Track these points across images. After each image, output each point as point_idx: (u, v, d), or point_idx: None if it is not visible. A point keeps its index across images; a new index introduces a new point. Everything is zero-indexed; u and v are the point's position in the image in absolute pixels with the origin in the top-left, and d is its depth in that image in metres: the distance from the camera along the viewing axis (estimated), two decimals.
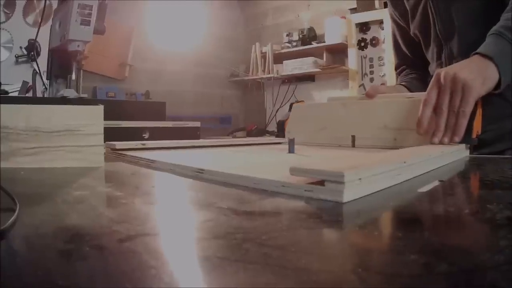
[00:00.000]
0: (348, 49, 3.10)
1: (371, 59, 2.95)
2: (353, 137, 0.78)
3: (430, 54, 0.93)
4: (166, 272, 0.17)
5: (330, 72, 3.45)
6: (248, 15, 4.41)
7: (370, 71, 2.96)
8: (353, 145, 0.78)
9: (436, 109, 0.63)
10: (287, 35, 3.79)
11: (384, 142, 0.72)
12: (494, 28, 0.69)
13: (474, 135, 0.62)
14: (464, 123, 0.61)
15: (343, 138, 0.79)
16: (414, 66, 1.05)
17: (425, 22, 0.90)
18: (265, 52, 3.88)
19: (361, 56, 3.01)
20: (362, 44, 2.98)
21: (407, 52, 1.05)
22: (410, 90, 0.96)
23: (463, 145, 0.61)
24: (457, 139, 0.61)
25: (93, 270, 0.17)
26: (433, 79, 0.65)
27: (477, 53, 0.66)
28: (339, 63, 3.40)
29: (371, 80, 2.96)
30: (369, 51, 2.96)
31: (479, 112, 0.64)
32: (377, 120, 0.75)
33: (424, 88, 1.02)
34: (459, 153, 0.61)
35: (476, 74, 0.62)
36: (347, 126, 0.80)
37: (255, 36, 4.22)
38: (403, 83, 1.01)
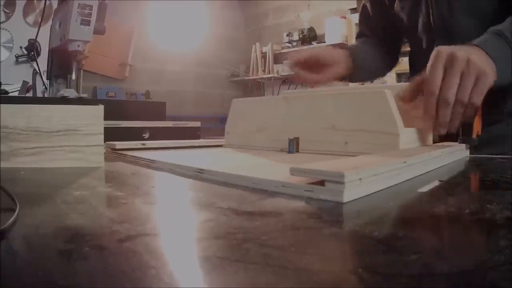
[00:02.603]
0: None
1: None
2: (297, 139, 0.65)
3: (416, 44, 0.82)
4: (166, 272, 0.17)
5: None
6: (248, 15, 4.42)
7: None
8: (297, 150, 0.65)
9: (440, 96, 0.52)
10: (287, 35, 3.80)
11: (333, 146, 0.60)
12: (496, 27, 0.62)
13: (474, 135, 0.62)
14: (472, 115, 0.51)
15: (285, 141, 0.66)
16: (379, 40, 0.93)
17: (415, 6, 0.78)
18: (265, 52, 3.89)
19: None
20: None
21: (376, 29, 0.93)
22: (352, 53, 0.83)
23: (463, 145, 0.61)
24: (442, 131, 0.52)
25: (93, 270, 0.17)
26: (433, 56, 0.53)
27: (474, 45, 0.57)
28: None
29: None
30: None
31: (479, 110, 0.62)
32: (324, 119, 0.62)
33: (378, 57, 0.89)
34: (459, 153, 0.61)
35: (486, 62, 0.52)
36: (289, 126, 0.66)
37: (256, 36, 4.22)
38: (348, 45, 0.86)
